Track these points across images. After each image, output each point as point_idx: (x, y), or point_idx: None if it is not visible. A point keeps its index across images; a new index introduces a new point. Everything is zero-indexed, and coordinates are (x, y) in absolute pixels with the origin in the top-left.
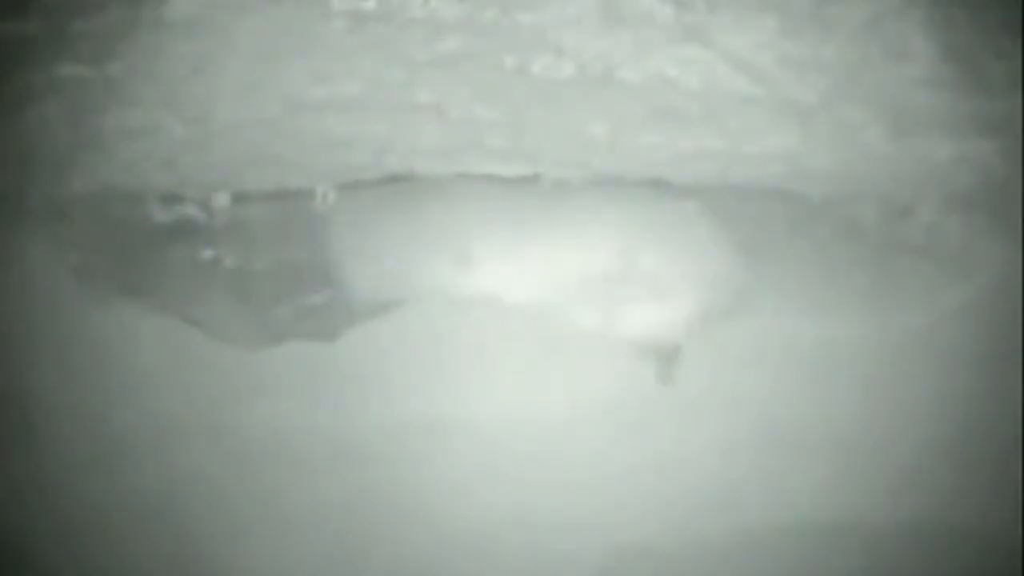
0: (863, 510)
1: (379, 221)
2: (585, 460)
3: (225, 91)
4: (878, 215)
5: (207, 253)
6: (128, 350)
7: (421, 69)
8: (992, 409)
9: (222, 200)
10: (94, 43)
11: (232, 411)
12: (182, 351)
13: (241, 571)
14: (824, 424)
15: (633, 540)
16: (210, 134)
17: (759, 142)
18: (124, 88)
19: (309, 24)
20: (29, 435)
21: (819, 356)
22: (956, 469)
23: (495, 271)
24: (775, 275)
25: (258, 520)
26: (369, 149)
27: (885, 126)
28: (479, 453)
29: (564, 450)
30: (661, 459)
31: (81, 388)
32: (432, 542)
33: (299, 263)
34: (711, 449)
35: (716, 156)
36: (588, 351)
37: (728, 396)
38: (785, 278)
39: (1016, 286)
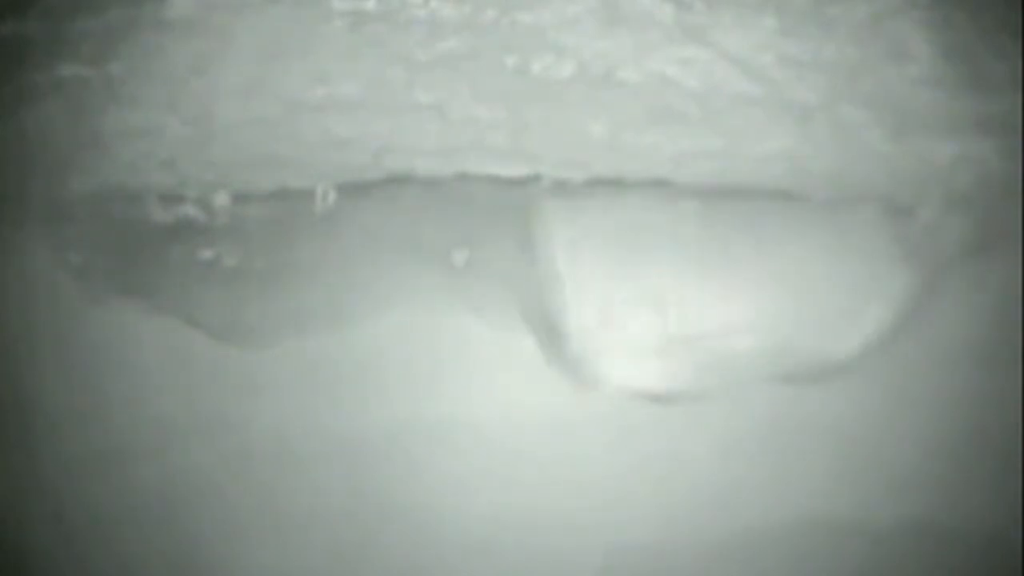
0: (864, 510)
1: (380, 221)
2: (586, 460)
3: (225, 91)
4: (878, 215)
5: (207, 253)
6: (128, 350)
7: (421, 69)
8: (992, 409)
9: (222, 200)
10: (94, 43)
11: (232, 411)
12: (182, 351)
13: (241, 571)
14: (825, 423)
15: (633, 540)
16: (210, 134)
17: (759, 142)
18: (124, 88)
19: (309, 24)
20: (29, 435)
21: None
22: (956, 469)
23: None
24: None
25: (258, 520)
26: (369, 149)
27: (885, 126)
28: (479, 453)
29: (564, 450)
30: (661, 459)
31: (81, 388)
32: (432, 542)
33: (299, 263)
34: (711, 449)
35: (716, 156)
36: (589, 352)
37: (728, 397)
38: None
39: (1016, 286)
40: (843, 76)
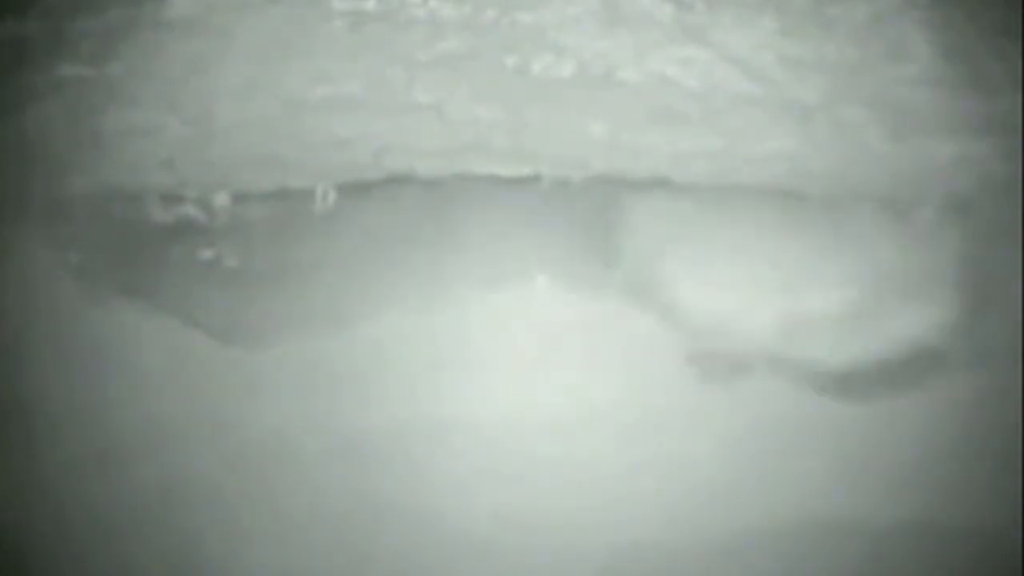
0: (863, 510)
1: (379, 221)
2: (586, 460)
3: (225, 91)
4: (878, 215)
5: (207, 253)
6: (128, 350)
7: (421, 69)
8: (992, 409)
9: (222, 200)
10: (94, 43)
11: (232, 411)
12: (182, 351)
13: (241, 571)
14: (825, 423)
15: (634, 540)
16: (210, 134)
17: (759, 142)
18: (124, 88)
19: (309, 24)
20: (29, 435)
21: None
22: (956, 469)
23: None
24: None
25: (258, 520)
26: (369, 149)
27: (885, 126)
28: (479, 453)
29: (565, 450)
30: (661, 459)
31: (81, 388)
32: (432, 542)
33: (299, 263)
34: (711, 449)
35: (716, 156)
36: (589, 351)
37: (728, 397)
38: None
39: (1016, 286)
40: (843, 76)
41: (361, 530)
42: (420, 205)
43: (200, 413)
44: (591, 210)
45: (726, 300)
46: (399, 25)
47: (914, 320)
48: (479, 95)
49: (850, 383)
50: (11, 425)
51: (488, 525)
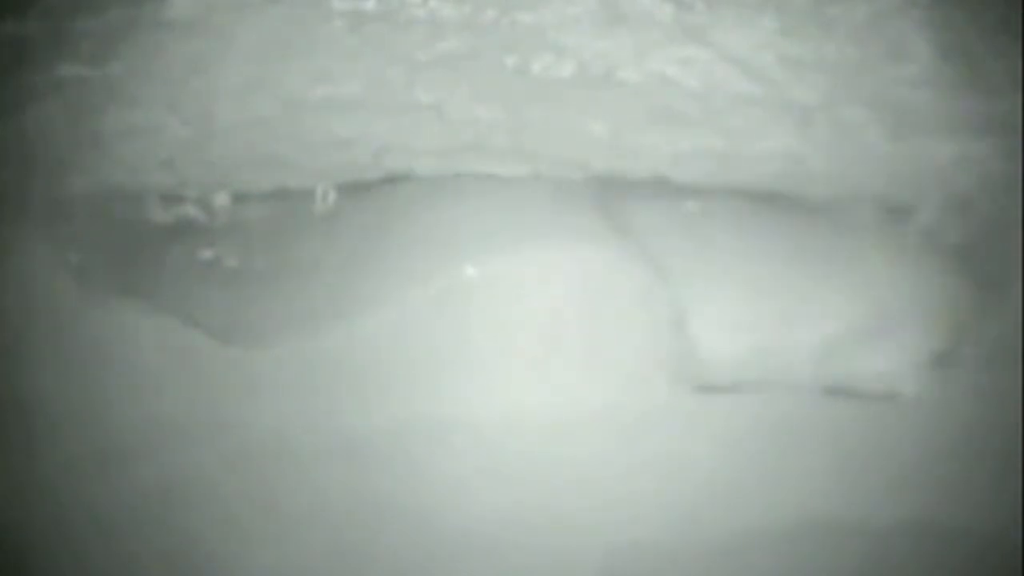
0: (863, 510)
1: (379, 221)
2: (586, 460)
3: (225, 91)
4: (878, 215)
5: (207, 253)
6: (128, 350)
7: (421, 69)
8: (992, 409)
9: (222, 200)
10: (94, 43)
11: (232, 411)
12: (182, 351)
13: (241, 571)
14: (824, 423)
15: (634, 540)
16: (210, 134)
17: (759, 142)
18: (124, 88)
19: (309, 24)
20: (29, 435)
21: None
22: (956, 469)
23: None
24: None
25: (258, 520)
26: (369, 149)
27: (885, 126)
28: (479, 453)
29: (565, 450)
30: (661, 459)
31: (81, 388)
32: (432, 542)
33: (299, 263)
34: (711, 449)
35: (716, 156)
36: (590, 351)
37: (728, 397)
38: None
39: (1016, 286)
40: (843, 76)
41: (361, 530)
42: (420, 205)
43: (200, 413)
44: (591, 210)
45: (726, 300)
46: (399, 25)
47: (913, 320)
48: (479, 95)
49: (849, 384)
50: (11, 425)
51: (488, 525)
